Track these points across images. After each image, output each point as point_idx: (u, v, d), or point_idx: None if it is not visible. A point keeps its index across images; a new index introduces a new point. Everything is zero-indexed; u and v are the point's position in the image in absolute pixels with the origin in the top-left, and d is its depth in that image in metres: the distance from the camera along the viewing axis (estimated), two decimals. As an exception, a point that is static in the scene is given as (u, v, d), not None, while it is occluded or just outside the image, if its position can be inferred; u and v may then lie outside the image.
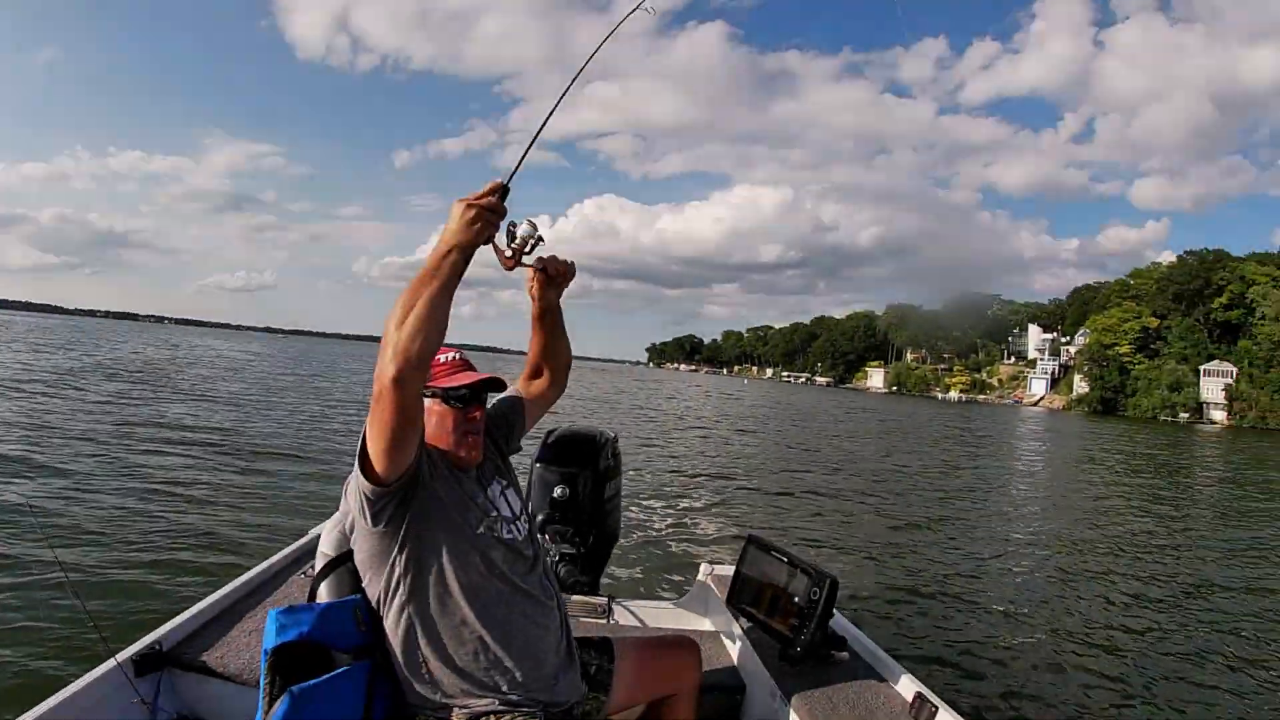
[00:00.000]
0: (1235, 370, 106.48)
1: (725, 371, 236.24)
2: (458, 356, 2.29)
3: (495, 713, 2.07)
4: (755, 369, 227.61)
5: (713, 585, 3.84)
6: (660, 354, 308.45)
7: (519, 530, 2.29)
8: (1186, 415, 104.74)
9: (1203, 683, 6.54)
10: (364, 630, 2.13)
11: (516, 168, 2.16)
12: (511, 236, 2.16)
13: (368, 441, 1.94)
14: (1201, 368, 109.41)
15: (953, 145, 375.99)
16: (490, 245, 2.07)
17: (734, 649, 3.51)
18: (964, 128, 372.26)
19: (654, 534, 10.50)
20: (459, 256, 1.90)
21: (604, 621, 3.65)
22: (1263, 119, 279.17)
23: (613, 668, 2.49)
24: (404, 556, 2.08)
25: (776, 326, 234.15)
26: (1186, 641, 7.70)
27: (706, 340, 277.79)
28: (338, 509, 2.31)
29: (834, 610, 3.17)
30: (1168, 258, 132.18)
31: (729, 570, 3.61)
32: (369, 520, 2.04)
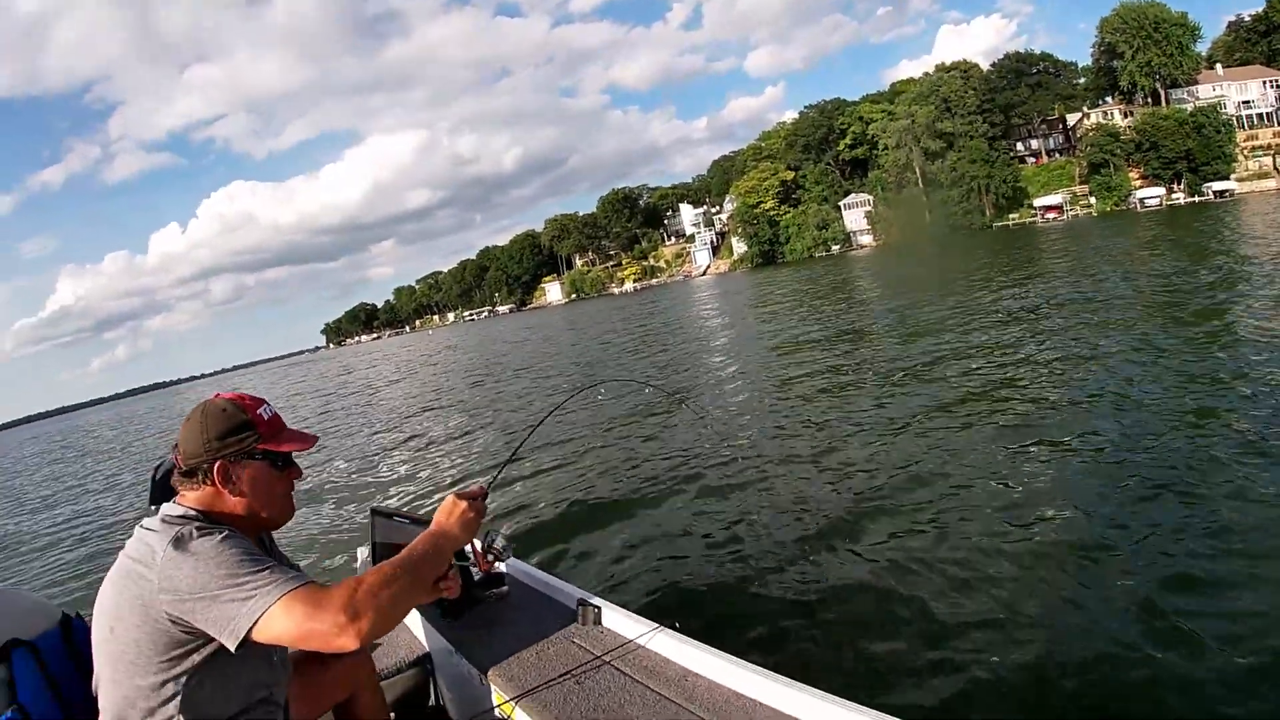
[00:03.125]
0: (871, 198, 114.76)
1: (408, 329, 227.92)
2: (272, 410, 2.14)
3: None
4: (436, 317, 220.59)
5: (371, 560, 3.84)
6: (337, 331, 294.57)
7: None
8: (838, 247, 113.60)
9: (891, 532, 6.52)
10: None
11: (497, 475, 2.77)
12: (489, 543, 2.62)
13: (276, 623, 1.77)
14: (841, 203, 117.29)
15: (571, 54, 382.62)
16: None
17: (408, 621, 3.54)
18: (579, 35, 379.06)
19: (314, 530, 10.21)
20: (449, 546, 2.09)
21: None
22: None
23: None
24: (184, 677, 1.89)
25: (445, 270, 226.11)
26: (859, 487, 7.82)
27: (380, 304, 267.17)
28: None
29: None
30: (790, 116, 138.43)
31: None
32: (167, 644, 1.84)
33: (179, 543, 1.80)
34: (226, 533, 1.87)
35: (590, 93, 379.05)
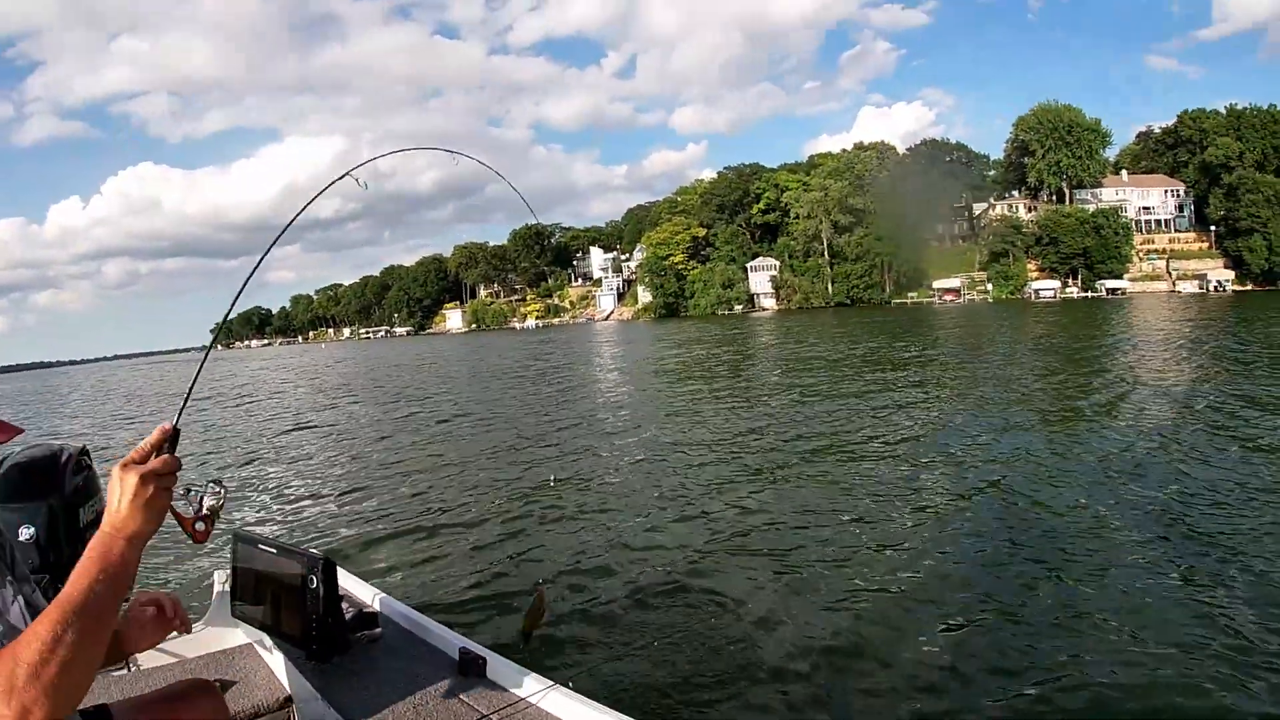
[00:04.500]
0: (778, 264, 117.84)
1: (300, 339, 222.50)
2: None
3: None
4: (331, 331, 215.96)
5: (228, 591, 3.56)
6: (228, 333, 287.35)
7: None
8: (740, 307, 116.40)
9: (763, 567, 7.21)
10: None
11: (183, 406, 1.81)
12: (197, 505, 1.89)
13: None
14: (748, 265, 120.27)
15: (505, 85, 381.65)
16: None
17: (269, 659, 3.36)
18: (514, 68, 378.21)
19: (166, 549, 9.00)
20: (135, 550, 1.51)
21: (123, 671, 3.27)
22: (790, 50, 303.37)
23: None
24: None
25: (346, 283, 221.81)
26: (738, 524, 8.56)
27: (275, 309, 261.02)
28: None
29: (355, 585, 3.41)
30: (709, 175, 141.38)
31: None
32: None
33: None
34: None
35: (518, 125, 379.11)
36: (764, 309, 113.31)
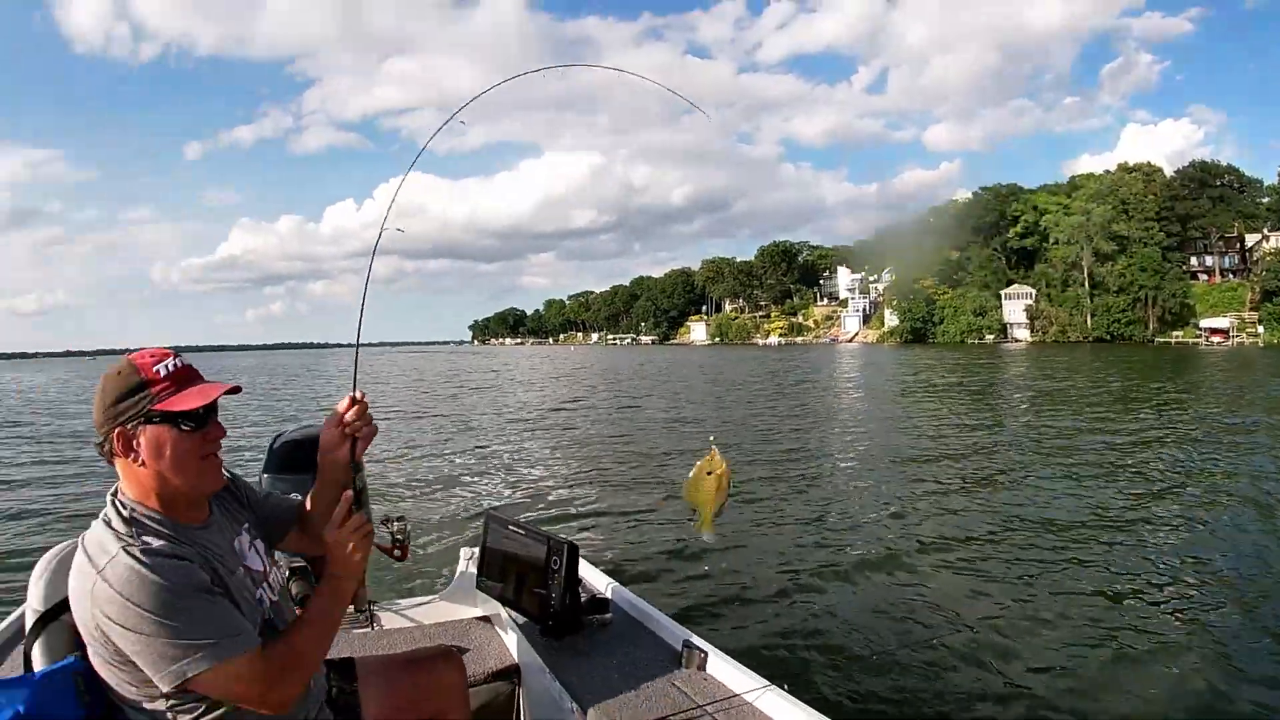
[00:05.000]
0: (1034, 292, 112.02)
1: (551, 341, 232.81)
2: (178, 364, 1.88)
3: None
4: (580, 335, 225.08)
5: (472, 569, 3.77)
6: (484, 330, 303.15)
7: (270, 591, 2.06)
8: (992, 336, 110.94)
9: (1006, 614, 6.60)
10: (88, 701, 1.83)
11: (354, 458, 2.15)
12: (395, 536, 2.78)
13: (203, 685, 1.72)
14: (1003, 292, 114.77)
15: (754, 102, 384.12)
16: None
17: (502, 633, 3.51)
18: (763, 85, 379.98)
19: (422, 524, 9.79)
20: (355, 582, 2.03)
21: (366, 630, 3.54)
22: (1047, 64, 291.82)
23: (354, 688, 2.34)
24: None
25: (597, 291, 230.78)
26: (983, 568, 7.94)
27: (529, 311, 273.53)
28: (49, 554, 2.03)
29: (590, 572, 3.57)
30: (963, 195, 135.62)
31: None
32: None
33: (113, 570, 1.67)
34: (159, 559, 1.70)
35: (767, 142, 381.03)
36: (1017, 340, 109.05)
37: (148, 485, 1.82)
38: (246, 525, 2.08)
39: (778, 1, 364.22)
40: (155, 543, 1.74)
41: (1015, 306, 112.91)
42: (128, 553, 1.68)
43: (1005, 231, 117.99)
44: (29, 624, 1.95)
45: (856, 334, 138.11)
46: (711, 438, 2.88)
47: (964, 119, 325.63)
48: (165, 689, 1.67)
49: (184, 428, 1.81)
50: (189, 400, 1.80)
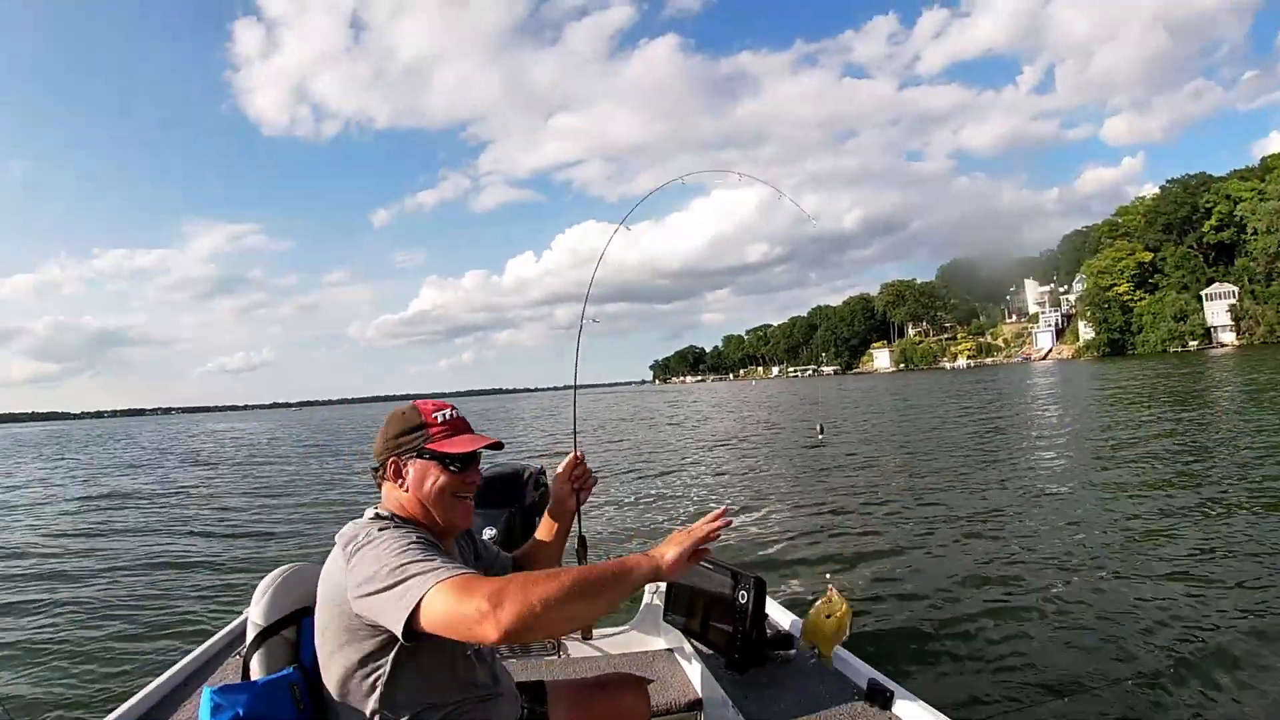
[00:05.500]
0: (1237, 290, 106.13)
1: (731, 376, 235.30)
2: (453, 414, 2.16)
3: None
4: (761, 369, 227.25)
5: (658, 602, 3.80)
6: (665, 369, 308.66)
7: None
8: (1195, 343, 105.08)
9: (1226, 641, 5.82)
10: (302, 708, 2.03)
11: (578, 506, 2.66)
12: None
13: (432, 611, 1.71)
14: (1203, 293, 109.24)
15: (918, 116, 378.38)
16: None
17: (686, 666, 3.47)
18: (926, 98, 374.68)
19: (604, 556, 10.20)
20: (645, 578, 1.87)
21: (555, 657, 3.66)
22: (1219, 38, 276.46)
23: (544, 711, 2.44)
24: (379, 666, 1.93)
25: (775, 324, 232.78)
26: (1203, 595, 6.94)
27: (708, 348, 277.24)
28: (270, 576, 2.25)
29: (773, 608, 3.40)
30: (1150, 190, 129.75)
31: None
32: (363, 634, 1.90)
33: (364, 536, 1.88)
34: (405, 529, 1.93)
35: (937, 156, 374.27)
36: (1222, 344, 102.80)
37: (407, 509, 2.06)
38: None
39: (930, 10, 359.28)
40: (398, 522, 2.00)
41: (1218, 307, 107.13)
42: (369, 529, 1.93)
43: (1199, 226, 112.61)
44: (249, 637, 2.15)
45: (1050, 350, 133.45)
46: (828, 575, 3.16)
47: (1140, 109, 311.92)
48: (398, 631, 1.71)
49: (450, 468, 2.06)
50: (458, 445, 2.07)
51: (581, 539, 2.92)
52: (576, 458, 2.65)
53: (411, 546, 1.83)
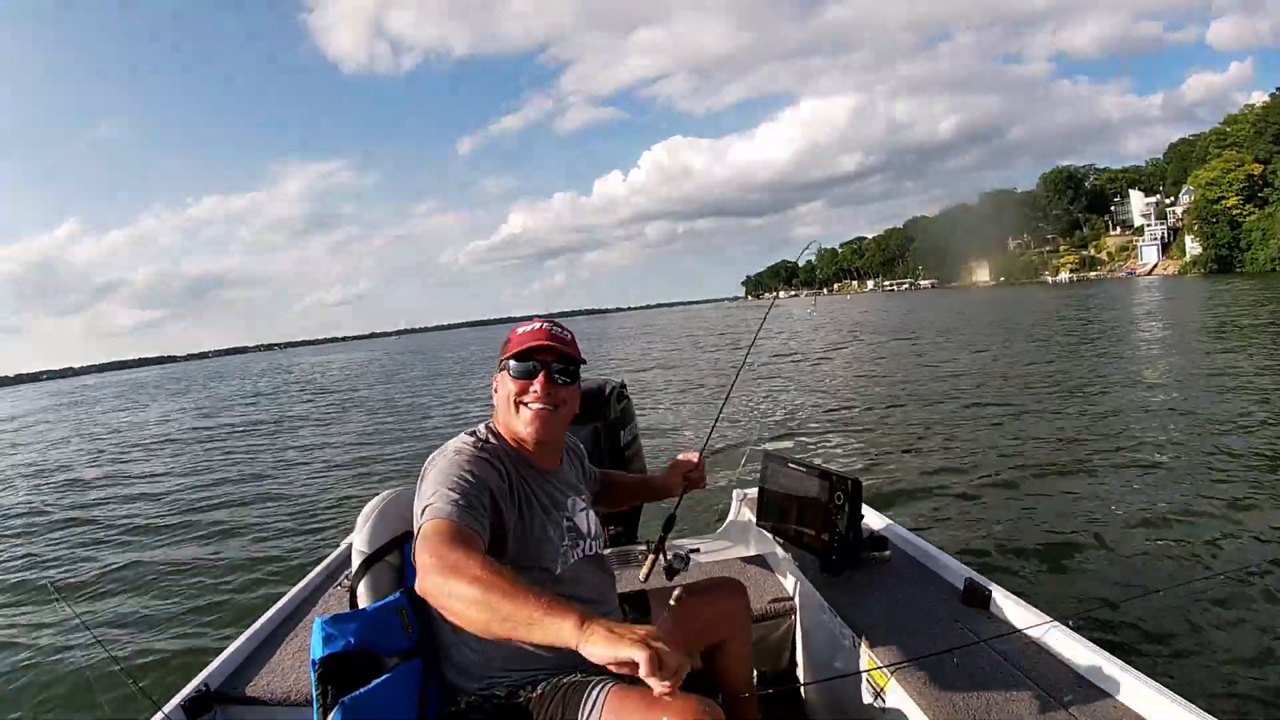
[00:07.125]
0: None
1: (825, 291, 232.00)
2: (534, 328, 2.19)
3: (534, 682, 2.01)
4: (855, 283, 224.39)
5: (747, 509, 3.89)
6: (757, 285, 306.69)
7: (590, 547, 2.26)
8: None
9: None
10: (410, 632, 2.10)
11: (681, 496, 2.75)
12: (670, 559, 2.84)
13: (422, 534, 1.86)
14: None
15: (1015, 16, 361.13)
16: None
17: (779, 570, 3.52)
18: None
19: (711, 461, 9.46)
20: (552, 639, 1.51)
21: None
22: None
23: (648, 620, 2.49)
24: None
25: (870, 236, 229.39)
26: None
27: (801, 263, 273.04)
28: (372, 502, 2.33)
29: (867, 511, 3.39)
30: (1260, 98, 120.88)
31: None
32: None
33: (429, 462, 2.02)
34: (473, 452, 2.01)
35: (1035, 60, 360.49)
36: None
37: (498, 418, 2.20)
38: (584, 495, 2.36)
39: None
40: (479, 440, 2.11)
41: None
42: (454, 442, 2.09)
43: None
44: (354, 565, 2.21)
45: (1155, 265, 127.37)
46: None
47: (1248, 9, 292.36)
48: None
49: (512, 375, 2.13)
50: (511, 348, 2.15)
51: (671, 518, 2.84)
52: (697, 458, 2.72)
53: (449, 475, 1.92)
